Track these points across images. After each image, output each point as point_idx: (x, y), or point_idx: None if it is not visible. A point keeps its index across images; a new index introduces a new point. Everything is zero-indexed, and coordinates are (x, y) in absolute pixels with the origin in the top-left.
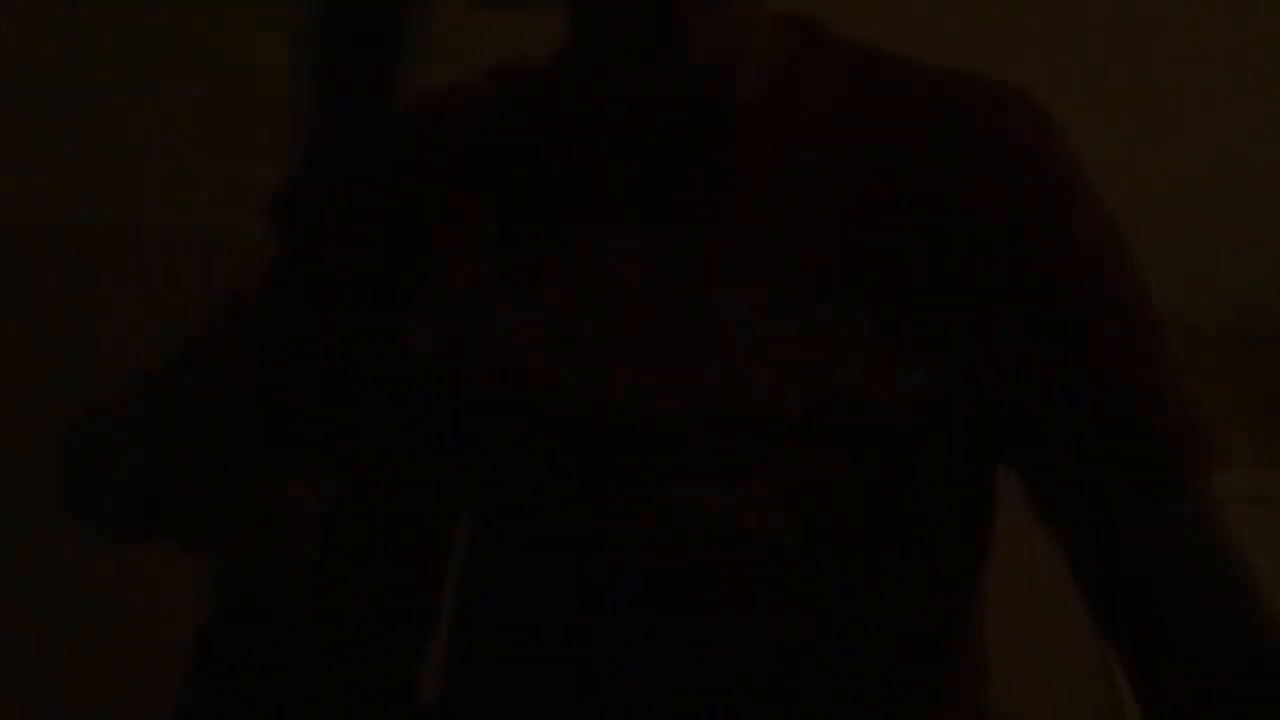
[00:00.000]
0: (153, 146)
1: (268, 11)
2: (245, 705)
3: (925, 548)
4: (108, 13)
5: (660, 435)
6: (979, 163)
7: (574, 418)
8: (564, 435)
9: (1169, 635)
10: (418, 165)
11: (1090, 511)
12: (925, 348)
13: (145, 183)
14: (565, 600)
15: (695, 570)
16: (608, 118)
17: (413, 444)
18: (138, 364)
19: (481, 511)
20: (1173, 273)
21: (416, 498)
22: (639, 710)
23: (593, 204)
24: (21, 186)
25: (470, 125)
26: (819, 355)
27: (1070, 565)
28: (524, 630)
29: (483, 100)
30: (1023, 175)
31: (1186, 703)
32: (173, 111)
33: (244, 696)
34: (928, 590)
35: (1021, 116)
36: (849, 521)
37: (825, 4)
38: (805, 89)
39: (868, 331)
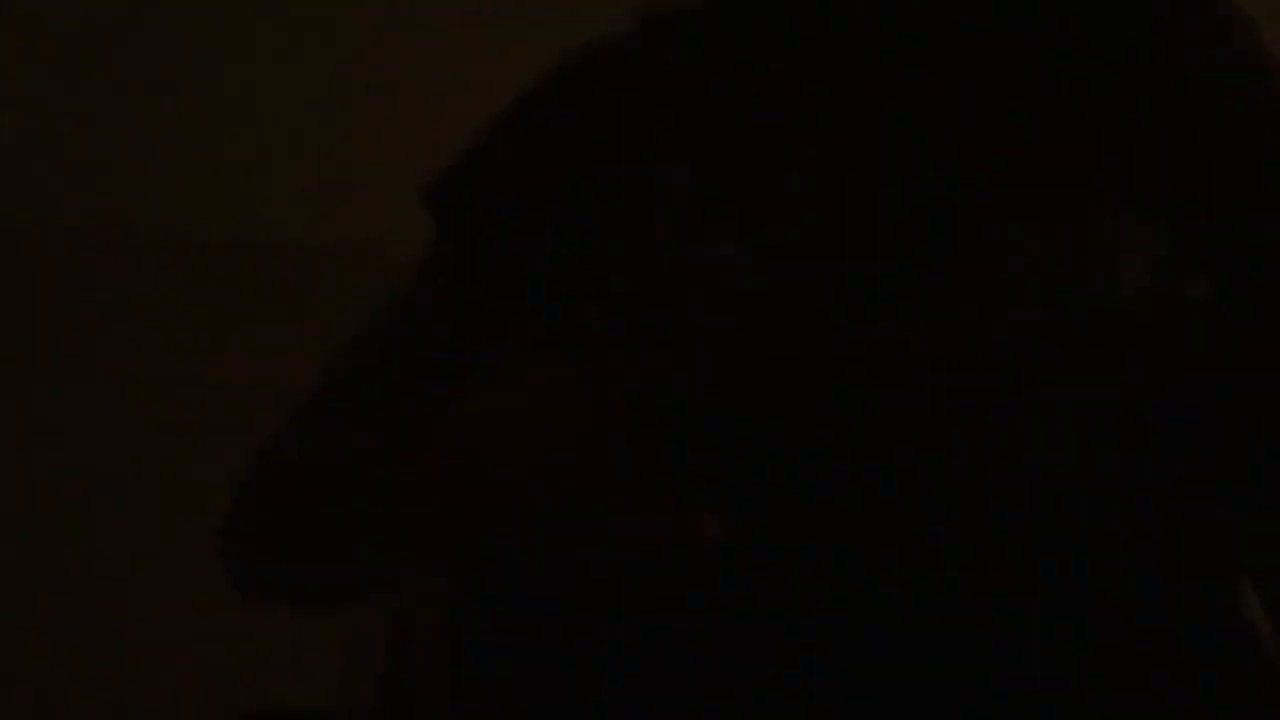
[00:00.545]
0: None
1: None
2: None
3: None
4: None
5: (933, 371)
6: (1167, 55)
7: (823, 358)
8: (810, 377)
9: None
10: (593, 130)
11: None
12: (1202, 254)
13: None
14: (826, 578)
15: (974, 527)
16: (793, 44)
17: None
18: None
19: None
20: None
21: None
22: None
23: (797, 137)
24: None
25: (650, 78)
26: (1101, 268)
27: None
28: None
29: (650, 54)
30: (1213, 56)
31: None
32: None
33: None
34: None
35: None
36: (1142, 450)
37: None
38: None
39: (1148, 237)
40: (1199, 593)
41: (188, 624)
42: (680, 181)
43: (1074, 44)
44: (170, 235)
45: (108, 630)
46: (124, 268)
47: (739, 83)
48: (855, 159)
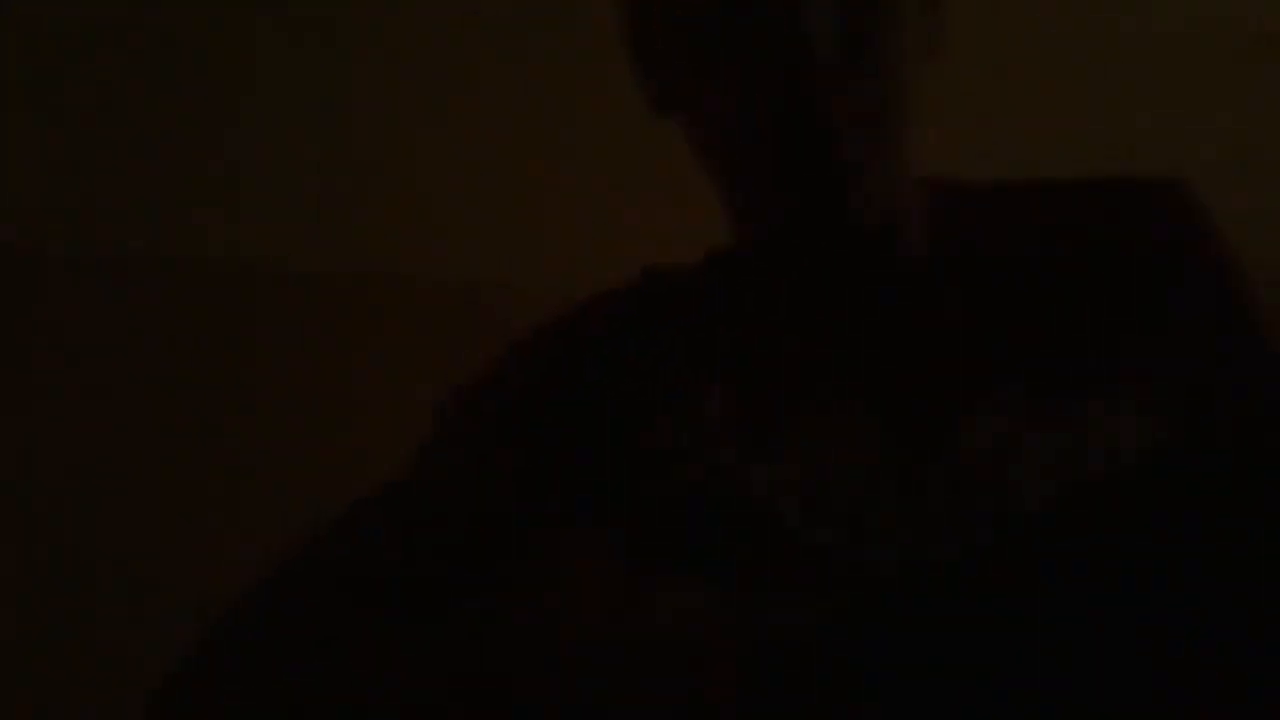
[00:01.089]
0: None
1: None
2: None
3: None
4: None
5: (930, 575)
6: (1140, 260)
7: (837, 576)
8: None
9: None
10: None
11: None
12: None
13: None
14: None
15: None
16: (799, 298)
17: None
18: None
19: None
20: None
21: None
22: None
23: (811, 378)
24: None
25: (656, 330)
26: (1095, 453)
27: None
28: None
29: (654, 302)
30: (1180, 262)
31: None
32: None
33: None
34: None
35: (1168, 207)
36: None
37: None
38: (964, 236)
39: (1135, 425)
40: None
41: (188, 624)
42: (716, 410)
43: (1079, 270)
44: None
45: (108, 629)
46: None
47: (760, 328)
48: (863, 392)
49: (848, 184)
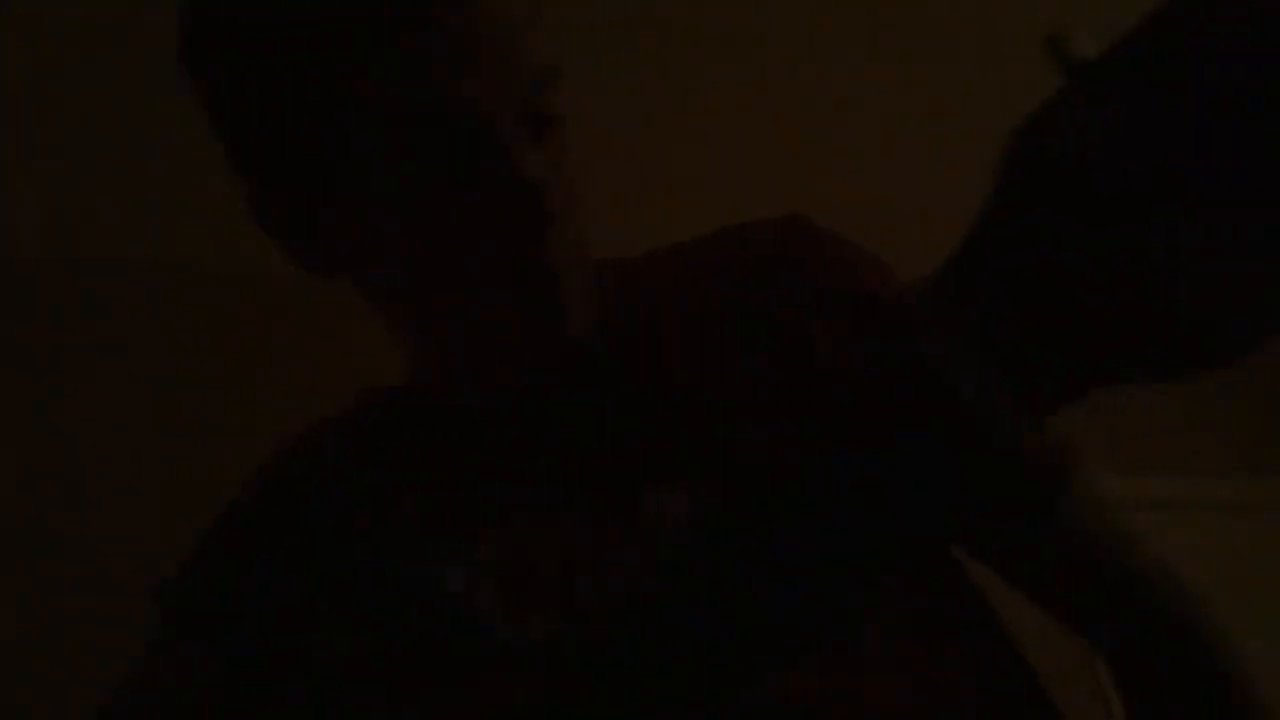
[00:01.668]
0: None
1: None
2: None
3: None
4: None
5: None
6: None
7: (548, 659)
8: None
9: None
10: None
11: (1000, 544)
12: None
13: None
14: None
15: None
16: (503, 406)
17: None
18: None
19: None
20: None
21: None
22: None
23: (505, 476)
24: None
25: (371, 450)
26: None
27: (1003, 581)
28: None
29: (372, 427)
30: (828, 283)
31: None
32: None
33: None
34: None
35: (799, 239)
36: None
37: None
38: (636, 314)
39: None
40: None
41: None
42: (410, 518)
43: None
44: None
45: (108, 628)
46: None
47: (456, 444)
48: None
49: (570, 313)
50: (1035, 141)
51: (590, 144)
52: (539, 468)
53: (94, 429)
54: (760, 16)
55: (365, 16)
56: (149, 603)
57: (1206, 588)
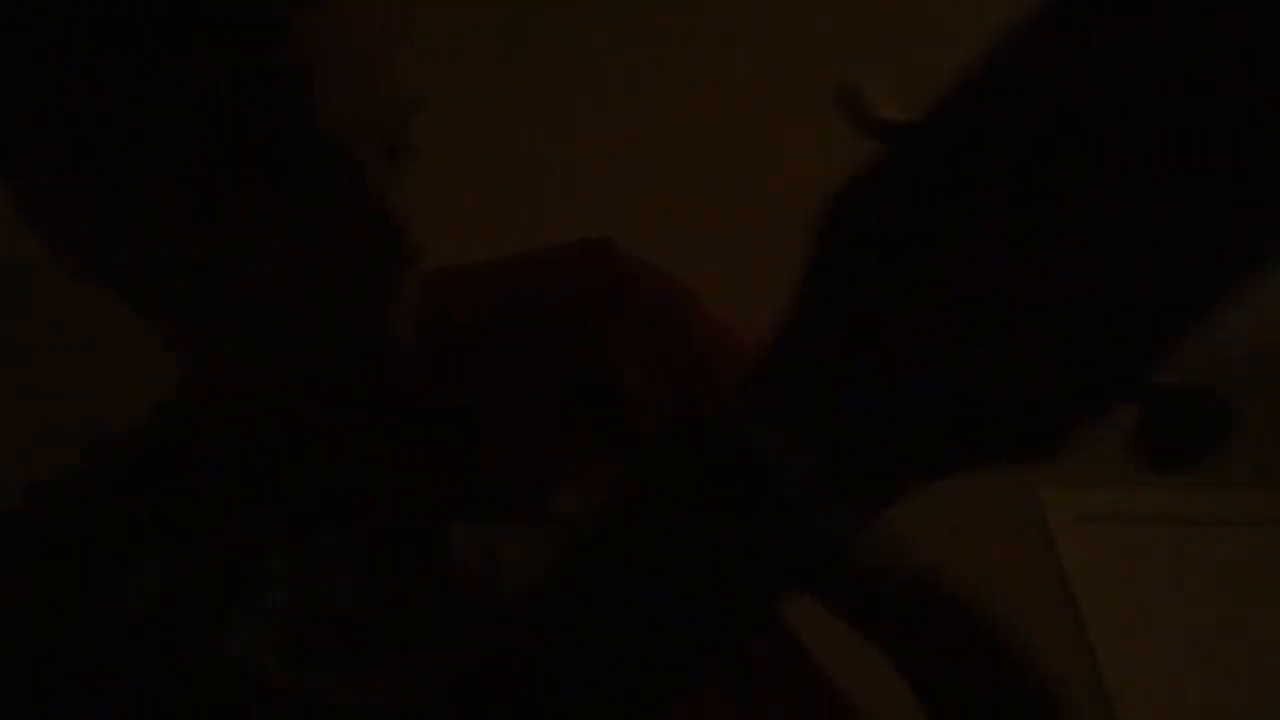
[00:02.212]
0: None
1: None
2: None
3: None
4: None
5: None
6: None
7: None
8: None
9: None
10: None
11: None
12: None
13: None
14: None
15: None
16: (301, 439)
17: None
18: None
19: None
20: None
21: None
22: None
23: (291, 516)
24: None
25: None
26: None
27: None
28: None
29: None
30: (604, 324)
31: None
32: None
33: None
34: None
35: (620, 279)
36: None
37: None
38: (448, 345)
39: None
40: None
41: None
42: (197, 568)
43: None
44: None
45: None
46: None
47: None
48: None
49: (403, 354)
50: (849, 212)
51: (589, 144)
52: (337, 502)
53: (94, 429)
54: (759, 16)
55: (223, 25)
56: None
57: (1213, 600)
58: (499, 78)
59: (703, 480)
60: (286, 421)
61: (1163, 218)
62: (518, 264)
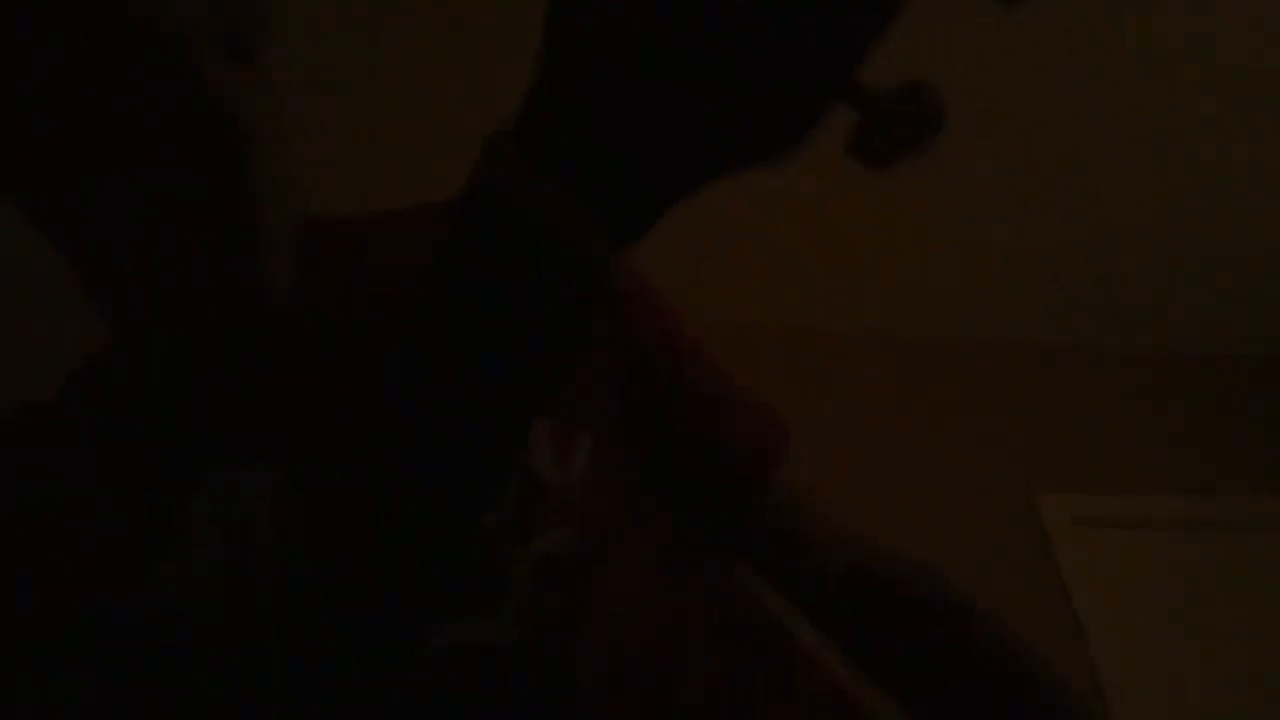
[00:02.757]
0: None
1: None
2: None
3: None
4: None
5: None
6: None
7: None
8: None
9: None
10: None
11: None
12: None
13: None
14: None
15: None
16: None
17: None
18: None
19: None
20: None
21: None
22: None
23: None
24: None
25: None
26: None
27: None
28: None
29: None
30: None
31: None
32: None
33: None
34: None
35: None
36: None
37: None
38: (332, 284)
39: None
40: None
41: None
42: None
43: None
44: None
45: None
46: None
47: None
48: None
49: (267, 255)
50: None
51: None
52: (247, 435)
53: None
54: None
55: None
56: None
57: (1210, 604)
58: (499, 78)
59: (487, 230)
60: (191, 366)
61: None
62: (417, 216)
